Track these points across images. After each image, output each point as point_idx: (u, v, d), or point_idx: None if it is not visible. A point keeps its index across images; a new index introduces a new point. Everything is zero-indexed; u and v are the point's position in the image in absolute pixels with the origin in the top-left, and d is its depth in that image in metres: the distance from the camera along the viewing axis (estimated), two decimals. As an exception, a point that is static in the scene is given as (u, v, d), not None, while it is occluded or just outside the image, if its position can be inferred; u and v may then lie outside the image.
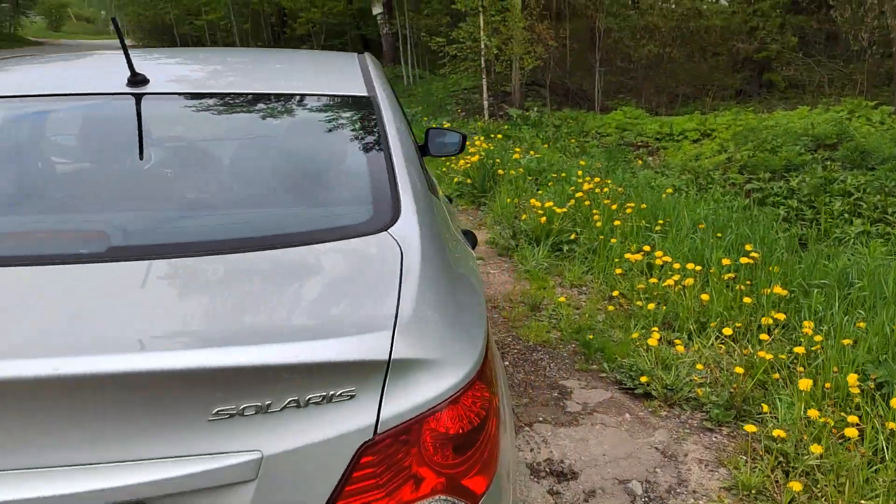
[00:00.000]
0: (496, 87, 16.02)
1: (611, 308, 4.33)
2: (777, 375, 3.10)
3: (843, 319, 3.45)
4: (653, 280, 4.42)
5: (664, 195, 6.53)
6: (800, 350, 3.13)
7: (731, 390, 3.17)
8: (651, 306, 4.11)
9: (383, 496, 1.14)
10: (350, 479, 1.11)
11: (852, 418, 2.67)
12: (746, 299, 3.92)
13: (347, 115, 1.90)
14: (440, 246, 1.51)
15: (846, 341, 3.13)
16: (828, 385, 2.91)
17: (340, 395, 1.10)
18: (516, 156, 8.08)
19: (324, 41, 24.77)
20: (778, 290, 3.99)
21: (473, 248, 2.08)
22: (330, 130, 1.88)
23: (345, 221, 1.51)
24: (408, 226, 1.47)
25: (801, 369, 3.08)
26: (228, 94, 1.89)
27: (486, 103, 13.17)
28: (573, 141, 11.21)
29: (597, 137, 12.16)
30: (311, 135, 1.86)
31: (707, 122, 11.64)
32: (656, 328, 3.88)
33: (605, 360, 3.74)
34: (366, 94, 1.93)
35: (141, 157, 1.68)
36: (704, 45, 16.37)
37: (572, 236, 5.55)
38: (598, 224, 5.43)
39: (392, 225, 1.46)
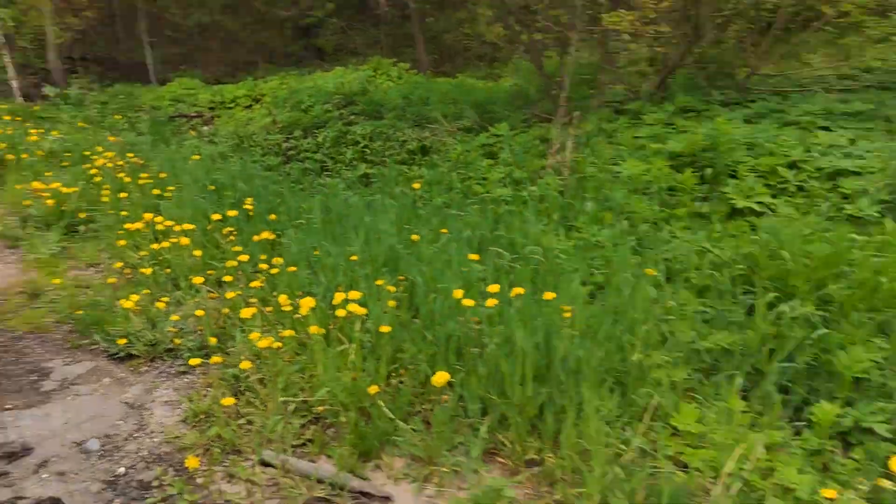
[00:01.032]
0: (37, 65, 14.30)
1: (111, 280, 4.29)
2: (227, 311, 3.45)
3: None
4: (154, 246, 4.50)
5: (190, 162, 6.63)
6: (255, 284, 3.52)
7: (198, 332, 3.43)
8: (147, 271, 4.19)
9: None
10: None
11: (287, 332, 3.11)
12: (236, 248, 4.23)
13: None
14: None
15: (291, 269, 3.60)
16: (268, 309, 3.33)
17: None
18: (33, 138, 7.39)
19: None
20: (266, 234, 4.40)
21: None
22: None
23: None
24: None
25: (254, 300, 3.47)
26: None
27: (14, 83, 11.69)
28: (120, 117, 10.64)
29: (150, 111, 11.72)
30: None
31: (257, 88, 12.02)
32: (147, 290, 3.98)
33: (99, 333, 3.73)
34: None
35: None
36: (255, 14, 16.70)
37: (82, 215, 5.34)
38: (106, 199, 5.30)
39: None
